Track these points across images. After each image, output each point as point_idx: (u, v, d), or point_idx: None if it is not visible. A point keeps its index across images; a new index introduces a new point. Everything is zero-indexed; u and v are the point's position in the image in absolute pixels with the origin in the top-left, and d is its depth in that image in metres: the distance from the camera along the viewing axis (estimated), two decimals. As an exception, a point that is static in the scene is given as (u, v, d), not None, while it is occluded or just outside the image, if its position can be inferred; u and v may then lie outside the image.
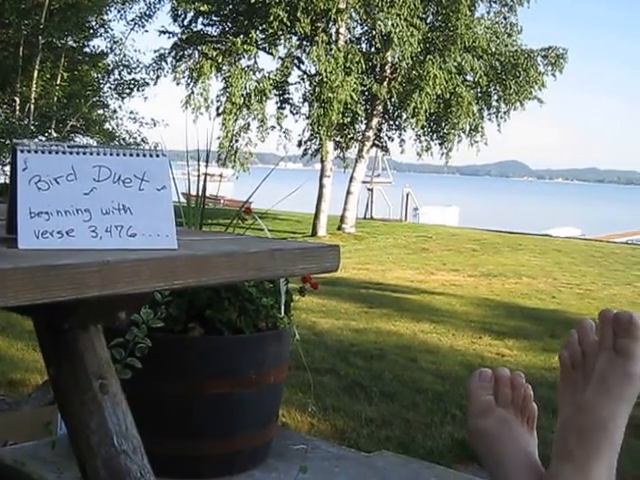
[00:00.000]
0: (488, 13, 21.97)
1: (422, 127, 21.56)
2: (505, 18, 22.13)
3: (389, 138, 23.37)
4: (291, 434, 4.04)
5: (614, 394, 1.10)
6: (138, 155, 1.43)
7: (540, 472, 1.16)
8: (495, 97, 22.38)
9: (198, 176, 3.74)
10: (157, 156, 1.44)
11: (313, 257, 1.52)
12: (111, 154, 1.41)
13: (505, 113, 22.41)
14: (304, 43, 21.06)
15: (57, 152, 1.38)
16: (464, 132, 22.20)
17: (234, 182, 22.00)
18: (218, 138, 20.76)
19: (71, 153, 1.39)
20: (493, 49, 21.08)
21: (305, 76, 21.58)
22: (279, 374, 3.38)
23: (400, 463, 3.73)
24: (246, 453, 3.35)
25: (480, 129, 22.45)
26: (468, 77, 21.40)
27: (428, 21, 21.03)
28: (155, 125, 23.81)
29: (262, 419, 3.38)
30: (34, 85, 21.50)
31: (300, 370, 4.75)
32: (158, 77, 22.80)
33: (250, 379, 3.22)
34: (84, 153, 1.40)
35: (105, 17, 23.67)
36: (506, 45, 21.61)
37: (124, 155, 1.42)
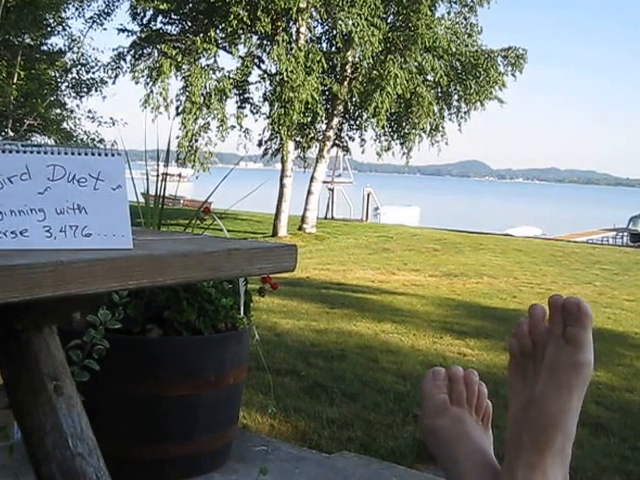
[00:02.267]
0: (449, 13, 22.10)
1: (383, 127, 21.60)
2: (465, 18, 22.28)
3: (350, 138, 23.40)
4: (251, 436, 4.03)
5: (565, 385, 1.09)
6: (93, 154, 1.41)
7: (496, 470, 1.16)
8: (455, 97, 22.50)
9: (157, 176, 3.71)
10: (112, 155, 1.43)
11: (270, 257, 1.51)
12: (66, 153, 1.39)
13: (466, 113, 22.55)
14: (264, 42, 21.02)
15: (11, 151, 1.36)
16: (425, 132, 22.30)
17: (194, 182, 21.92)
18: (177, 137, 20.69)
19: (25, 152, 1.37)
20: (453, 49, 21.17)
21: (265, 75, 21.54)
22: (239, 375, 3.37)
23: (361, 464, 3.74)
24: (207, 455, 3.33)
25: (441, 129, 22.57)
26: (429, 77, 21.48)
27: (389, 21, 21.07)
28: (114, 124, 23.73)
29: (222, 421, 3.37)
30: (-10, 84, 21.29)
31: (260, 371, 4.74)
32: (117, 76, 22.67)
33: (209, 380, 3.21)
34: (38, 152, 1.38)
35: (63, 15, 23.57)
36: (466, 45, 21.74)
37: (79, 154, 1.40)
